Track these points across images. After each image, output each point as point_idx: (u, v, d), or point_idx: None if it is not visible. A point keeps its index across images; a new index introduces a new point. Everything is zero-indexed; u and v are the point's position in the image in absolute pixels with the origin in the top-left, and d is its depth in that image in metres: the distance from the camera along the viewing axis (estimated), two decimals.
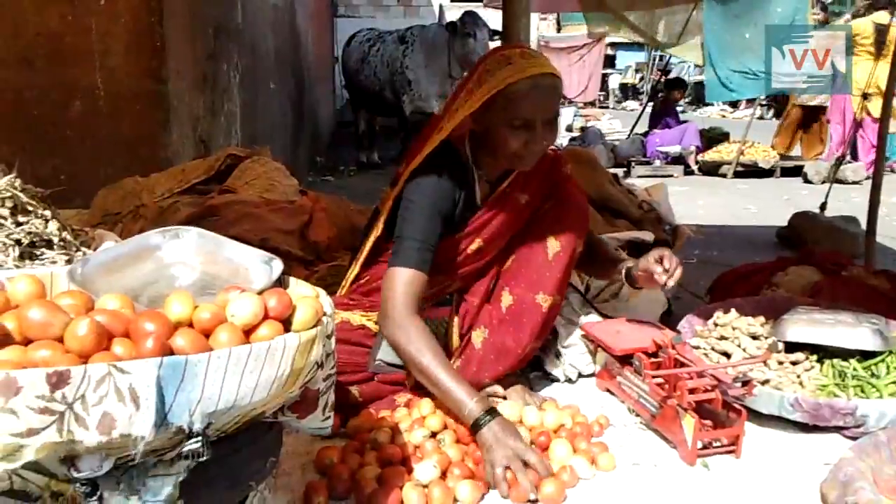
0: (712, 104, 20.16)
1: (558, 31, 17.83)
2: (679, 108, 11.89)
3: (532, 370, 2.58)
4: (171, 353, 1.16)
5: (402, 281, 2.05)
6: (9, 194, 1.90)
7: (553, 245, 2.31)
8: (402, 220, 2.13)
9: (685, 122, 11.06)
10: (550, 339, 2.53)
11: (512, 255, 2.37)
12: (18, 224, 1.89)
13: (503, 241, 2.34)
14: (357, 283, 2.38)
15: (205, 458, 1.14)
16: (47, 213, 1.98)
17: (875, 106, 7.86)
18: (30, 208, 1.96)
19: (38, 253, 1.90)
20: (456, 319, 2.37)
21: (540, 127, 2.09)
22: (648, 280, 2.32)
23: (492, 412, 1.94)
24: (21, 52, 3.47)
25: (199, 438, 1.12)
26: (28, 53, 3.47)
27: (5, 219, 1.87)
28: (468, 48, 8.67)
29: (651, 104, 11.74)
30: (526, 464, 1.84)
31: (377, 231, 2.27)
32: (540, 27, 14.79)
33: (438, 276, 2.26)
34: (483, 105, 2.06)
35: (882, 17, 8.64)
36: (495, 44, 9.14)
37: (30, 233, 1.90)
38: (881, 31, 8.19)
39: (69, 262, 1.86)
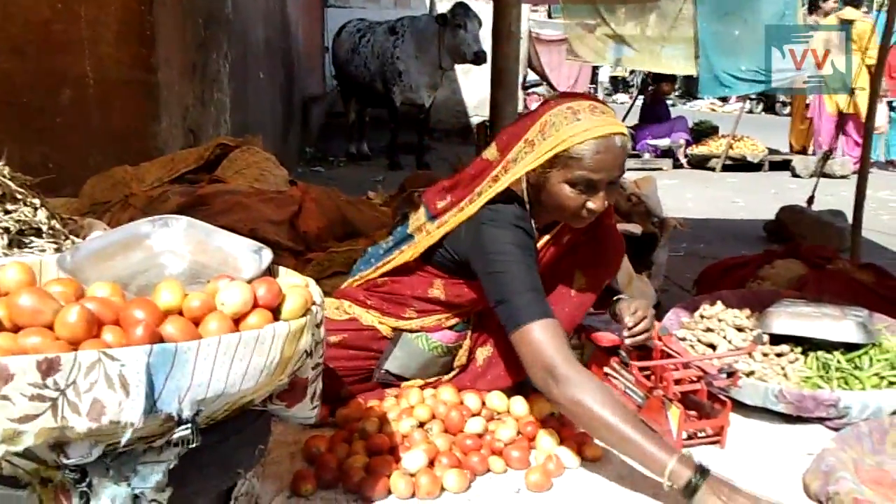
0: (702, 98, 20.21)
1: (549, 16, 17.79)
2: (669, 102, 11.88)
3: None
4: (161, 340, 1.17)
5: (547, 334, 1.83)
6: None
7: (579, 281, 2.23)
8: (495, 282, 1.95)
9: (677, 116, 11.08)
10: None
11: None
12: (7, 212, 1.89)
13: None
14: (373, 281, 2.28)
15: (194, 444, 1.15)
16: (36, 201, 1.98)
17: (861, 101, 7.90)
18: (18, 196, 1.95)
19: (27, 241, 1.90)
20: (467, 342, 2.31)
21: (603, 189, 1.96)
22: (620, 321, 2.27)
23: (702, 472, 1.66)
24: (11, 40, 3.45)
25: (189, 425, 1.13)
26: (18, 41, 3.46)
27: None
28: (459, 39, 8.66)
29: (641, 97, 11.73)
30: None
31: (409, 256, 2.17)
32: (531, 17, 14.74)
33: (461, 308, 2.23)
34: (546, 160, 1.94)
35: (849, 13, 8.69)
36: (485, 35, 9.13)
37: (18, 221, 1.89)
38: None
39: (58, 250, 1.85)
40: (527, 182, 2.04)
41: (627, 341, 2.20)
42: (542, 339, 1.83)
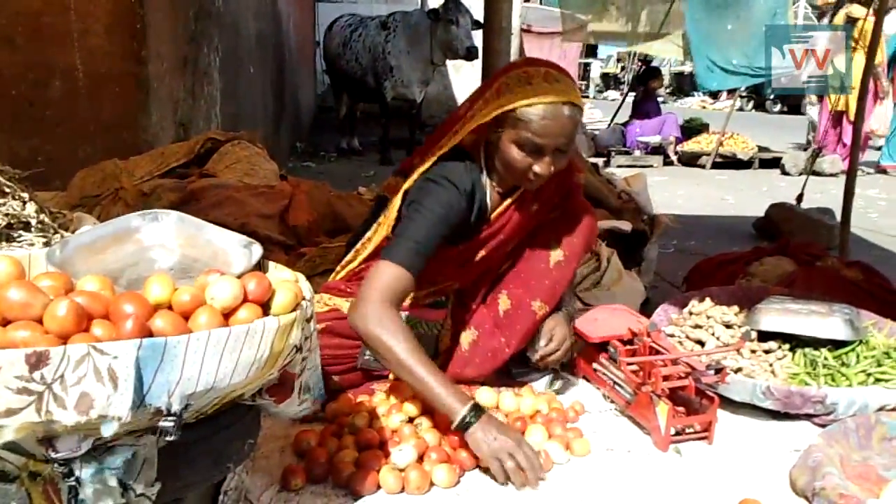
0: (692, 95, 20.27)
1: (540, 2, 17.80)
2: (660, 99, 11.90)
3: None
4: (151, 334, 1.17)
5: (389, 275, 1.95)
6: None
7: (556, 254, 2.30)
8: (406, 218, 2.06)
9: (667, 113, 11.10)
10: None
11: (513, 260, 2.35)
12: None
13: (508, 249, 2.32)
14: (355, 271, 2.34)
15: (172, 437, 1.14)
16: (25, 194, 1.97)
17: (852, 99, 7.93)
18: (7, 190, 1.95)
19: (16, 235, 1.89)
20: (449, 321, 2.35)
21: (549, 154, 2.01)
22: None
23: (476, 409, 1.85)
24: (0, 31, 3.43)
25: (173, 417, 1.13)
26: (7, 32, 3.43)
27: None
28: (451, 34, 8.64)
29: (633, 94, 11.75)
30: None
31: (386, 229, 2.21)
32: (523, 10, 14.73)
33: (438, 280, 2.26)
34: (495, 119, 2.02)
35: (857, 10, 8.71)
36: (478, 33, 9.12)
37: (7, 214, 1.89)
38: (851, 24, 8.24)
39: (47, 244, 1.85)
40: (486, 143, 2.12)
41: (534, 360, 2.30)
42: (384, 275, 1.96)
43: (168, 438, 1.14)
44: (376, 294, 1.94)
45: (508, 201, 2.21)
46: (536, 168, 2.03)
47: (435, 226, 2.03)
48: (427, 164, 2.13)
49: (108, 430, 1.08)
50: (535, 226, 2.30)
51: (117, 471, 1.16)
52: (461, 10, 8.67)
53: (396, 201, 2.17)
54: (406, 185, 2.16)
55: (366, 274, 2.27)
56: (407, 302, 2.24)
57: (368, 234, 2.31)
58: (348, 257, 2.37)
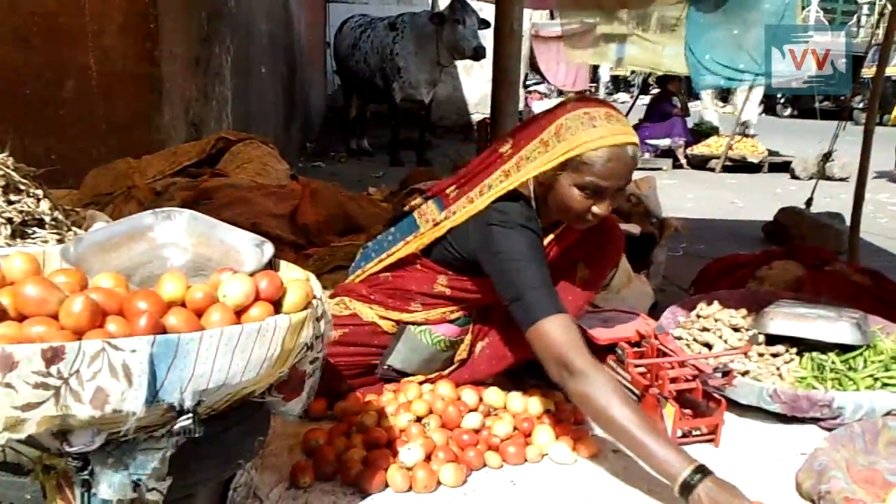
0: (698, 93, 20.14)
1: (552, 17, 17.81)
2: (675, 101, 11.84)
3: None
4: (164, 331, 1.18)
5: (559, 330, 1.84)
6: (1, 173, 1.91)
7: (581, 271, 2.27)
8: (506, 281, 1.96)
9: (676, 116, 11.05)
10: None
11: None
12: (10, 203, 1.90)
13: None
14: (376, 276, 2.31)
15: (196, 434, 1.16)
16: (39, 192, 1.99)
17: None
18: (22, 187, 1.96)
19: (30, 232, 1.91)
20: (469, 337, 2.34)
21: (609, 194, 1.99)
22: None
23: (700, 472, 1.65)
24: (16, 31, 3.46)
25: (191, 416, 1.14)
26: (23, 32, 3.47)
27: None
28: (457, 35, 8.60)
29: (644, 97, 11.75)
30: None
31: (414, 248, 2.19)
32: (533, 16, 14.73)
33: (467, 302, 2.25)
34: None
35: None
36: (484, 33, 9.09)
37: (21, 211, 1.91)
38: None
39: (60, 241, 1.87)
40: (535, 181, 2.06)
41: None
42: (555, 333, 1.84)
43: (194, 435, 1.16)
44: (572, 352, 1.82)
45: (551, 236, 2.18)
46: (596, 209, 2.00)
47: (539, 265, 1.97)
48: (478, 207, 2.06)
49: (125, 426, 1.10)
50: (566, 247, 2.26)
51: (129, 465, 1.17)
52: (467, 11, 8.64)
53: (437, 232, 2.14)
54: (451, 223, 2.11)
55: (392, 284, 2.26)
56: (437, 317, 2.24)
57: (393, 249, 2.26)
58: (370, 264, 2.32)
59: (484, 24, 8.70)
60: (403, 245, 2.24)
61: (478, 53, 8.57)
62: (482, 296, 2.20)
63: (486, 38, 9.69)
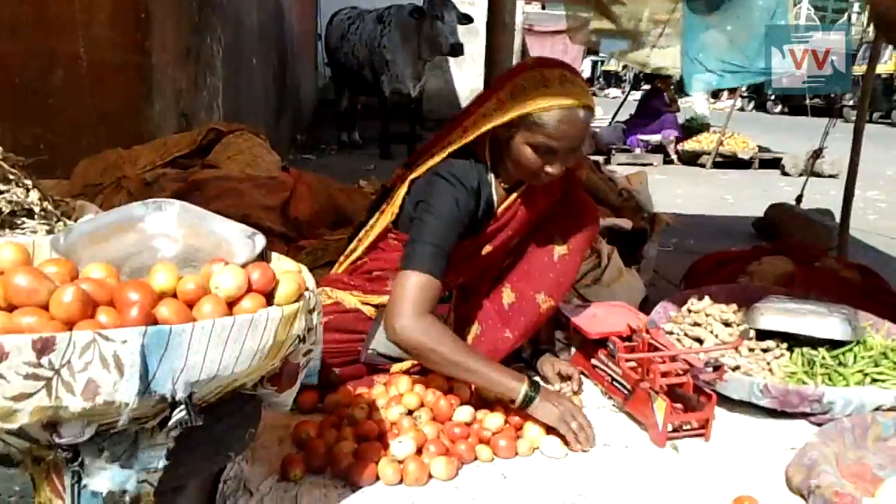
0: (691, 95, 20.20)
1: (543, 8, 17.80)
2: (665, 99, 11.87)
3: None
4: (156, 322, 1.17)
5: (417, 285, 1.96)
6: None
7: (559, 249, 2.32)
8: (419, 222, 2.06)
9: (667, 112, 11.07)
10: None
11: (516, 255, 2.36)
12: None
13: (513, 243, 2.33)
14: (357, 263, 2.36)
15: (194, 424, 1.16)
16: (28, 182, 1.97)
17: None
18: (10, 177, 1.94)
19: (19, 222, 1.90)
20: (452, 315, 2.36)
21: (561, 154, 2.04)
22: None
23: (534, 385, 2.00)
24: (4, 20, 3.42)
25: (184, 407, 1.14)
26: (11, 21, 3.43)
27: None
28: (436, 31, 8.51)
29: (634, 92, 11.77)
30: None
31: (389, 217, 2.24)
32: (525, 9, 14.73)
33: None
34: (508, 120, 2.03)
35: None
36: (469, 28, 9.04)
37: (10, 202, 1.89)
38: None
39: (49, 231, 1.85)
40: (492, 139, 2.13)
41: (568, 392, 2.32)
42: (412, 286, 1.97)
43: (192, 425, 1.16)
44: (409, 307, 1.95)
45: (514, 196, 2.22)
46: (549, 168, 2.06)
47: (449, 226, 2.04)
48: (435, 160, 2.13)
49: (121, 418, 1.09)
50: (538, 220, 2.31)
51: (119, 457, 1.17)
52: (446, 6, 8.55)
53: (402, 189, 2.19)
54: (412, 176, 2.17)
55: (368, 266, 2.29)
56: None
57: (371, 222, 2.33)
58: (351, 247, 2.39)
59: (465, 19, 8.65)
60: (379, 216, 2.29)
61: (454, 50, 8.51)
62: (454, 269, 2.21)
63: (475, 32, 9.69)
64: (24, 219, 1.91)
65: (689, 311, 2.70)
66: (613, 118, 12.17)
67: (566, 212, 2.34)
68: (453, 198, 2.06)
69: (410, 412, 2.06)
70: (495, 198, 2.20)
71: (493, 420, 2.03)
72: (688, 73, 7.08)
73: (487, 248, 2.25)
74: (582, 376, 2.43)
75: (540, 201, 2.26)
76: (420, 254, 2.00)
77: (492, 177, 2.18)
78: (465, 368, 1.97)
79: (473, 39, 10.48)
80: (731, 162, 9.97)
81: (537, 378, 2.06)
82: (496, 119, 2.04)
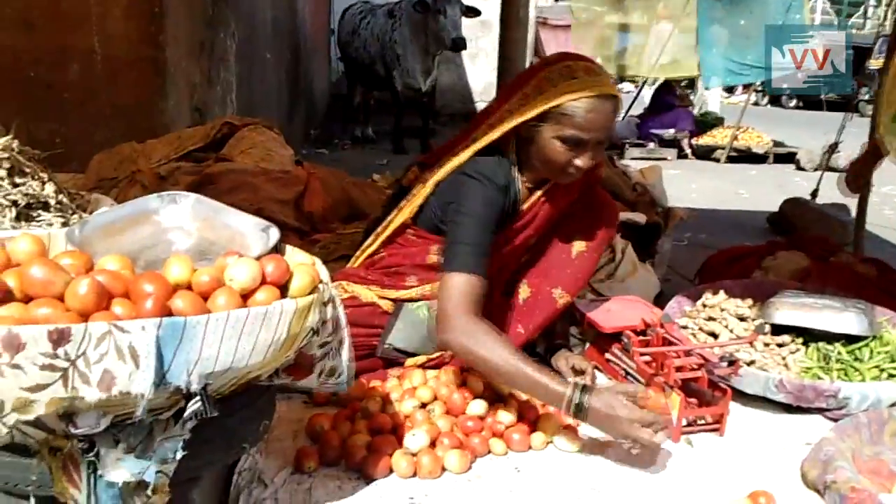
0: (708, 89, 20.11)
1: (556, 0, 17.74)
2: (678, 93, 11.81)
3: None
4: (170, 314, 1.18)
5: (461, 285, 1.95)
6: (6, 156, 1.91)
7: (578, 245, 2.32)
8: (454, 224, 2.05)
9: (681, 107, 11.01)
10: None
11: (534, 251, 2.36)
12: (15, 185, 1.90)
13: (533, 242, 2.33)
14: (373, 258, 2.35)
15: (210, 415, 1.16)
16: (44, 175, 1.99)
17: None
18: (27, 170, 1.96)
19: (35, 215, 1.91)
20: None
21: (591, 146, 2.03)
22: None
23: (583, 388, 1.85)
24: (19, 14, 3.45)
25: (200, 398, 1.14)
26: (26, 15, 3.45)
27: (2, 180, 1.88)
28: (439, 25, 8.37)
29: (647, 87, 11.73)
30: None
31: (407, 214, 2.23)
32: (539, 2, 14.67)
33: None
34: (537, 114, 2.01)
35: None
36: (476, 21, 8.95)
37: (27, 194, 1.90)
38: None
39: (65, 224, 1.87)
40: (518, 136, 2.11)
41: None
42: (457, 288, 1.95)
43: (208, 416, 1.17)
44: (457, 308, 1.93)
45: (538, 194, 2.22)
46: (578, 162, 2.04)
47: (484, 224, 2.04)
48: (460, 159, 2.12)
49: (138, 409, 1.10)
50: (559, 218, 2.30)
51: (135, 448, 1.17)
52: (450, 1, 8.49)
53: (424, 190, 2.18)
54: (437, 177, 2.15)
55: (385, 261, 2.29)
56: (432, 291, 2.23)
57: (389, 217, 2.32)
58: (367, 241, 2.38)
59: (471, 12, 8.57)
60: (397, 213, 2.28)
61: (457, 45, 8.40)
62: None
63: (488, 27, 9.66)
64: (40, 211, 1.93)
65: (704, 305, 2.69)
66: (627, 112, 12.12)
67: (586, 210, 2.33)
68: (484, 196, 2.05)
69: (424, 405, 2.06)
70: (521, 197, 2.19)
71: (506, 414, 2.03)
72: (704, 70, 7.06)
73: (508, 247, 2.24)
74: (596, 370, 2.42)
75: (561, 200, 2.25)
76: (461, 254, 1.99)
77: (518, 174, 2.17)
78: (508, 375, 1.89)
79: (487, 34, 10.44)
80: (745, 156, 9.88)
81: (586, 382, 1.94)
82: (524, 114, 2.02)
